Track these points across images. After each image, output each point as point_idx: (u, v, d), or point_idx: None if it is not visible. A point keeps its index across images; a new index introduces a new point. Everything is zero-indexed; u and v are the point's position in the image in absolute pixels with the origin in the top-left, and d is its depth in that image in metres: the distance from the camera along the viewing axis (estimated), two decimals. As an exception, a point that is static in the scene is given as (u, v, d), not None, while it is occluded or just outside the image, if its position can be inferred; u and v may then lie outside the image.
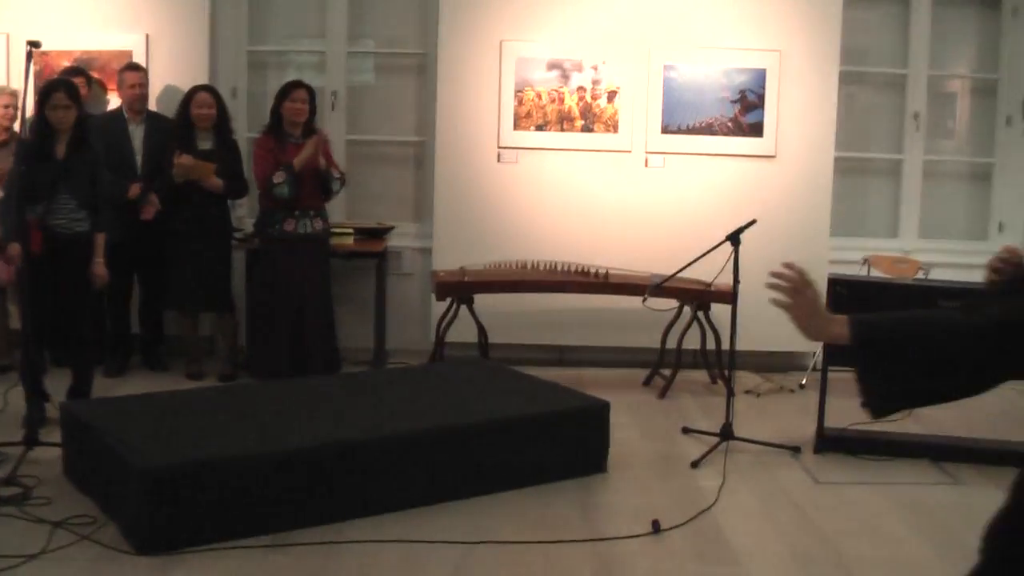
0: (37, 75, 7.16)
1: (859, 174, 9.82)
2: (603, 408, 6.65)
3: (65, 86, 7.28)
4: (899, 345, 2.79)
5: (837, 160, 9.17)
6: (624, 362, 9.12)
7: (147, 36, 9.17)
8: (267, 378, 8.20)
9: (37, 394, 7.10)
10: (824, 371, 7.13)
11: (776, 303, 2.86)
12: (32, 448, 6.51)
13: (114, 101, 9.00)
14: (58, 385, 7.36)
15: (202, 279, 8.43)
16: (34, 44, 6.85)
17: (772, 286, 2.85)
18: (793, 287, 2.86)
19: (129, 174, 8.51)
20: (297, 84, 8.38)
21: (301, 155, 8.18)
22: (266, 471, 5.51)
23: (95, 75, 9.02)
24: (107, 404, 6.85)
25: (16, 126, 8.17)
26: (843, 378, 7.97)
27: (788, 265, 2.87)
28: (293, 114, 8.24)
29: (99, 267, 7.28)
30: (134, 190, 8.42)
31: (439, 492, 5.96)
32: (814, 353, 8.73)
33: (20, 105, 8.25)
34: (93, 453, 5.92)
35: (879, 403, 2.91)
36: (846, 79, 9.32)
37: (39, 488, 6.03)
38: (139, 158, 8.62)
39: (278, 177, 8.14)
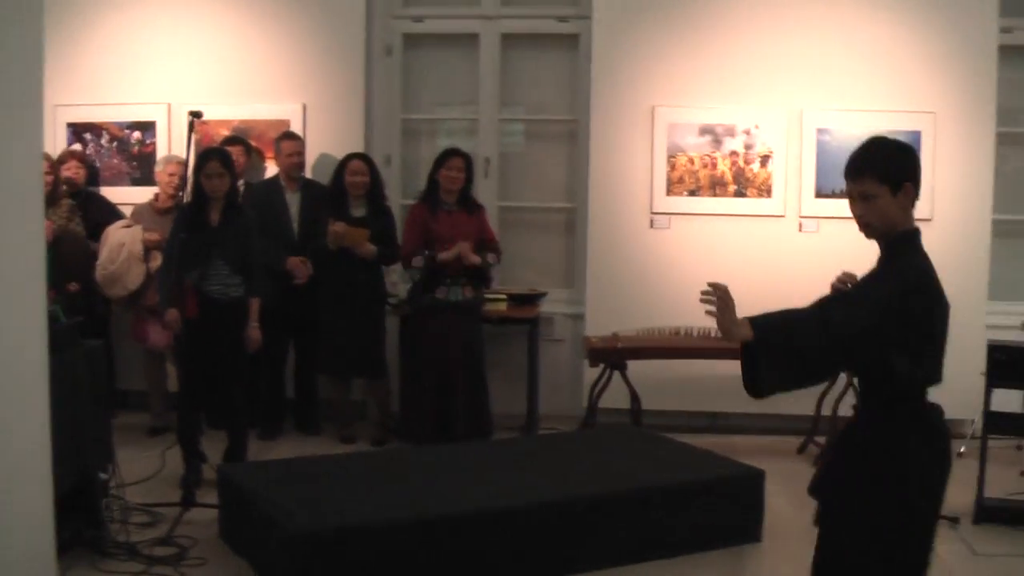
0: (197, 144, 7.33)
1: (1017, 236, 9.58)
2: (758, 476, 6.55)
3: (219, 155, 7.43)
4: (786, 337, 3.94)
5: (994, 222, 8.97)
6: (778, 429, 8.97)
7: (304, 105, 9.34)
8: (413, 443, 8.22)
9: (194, 456, 7.22)
10: (984, 439, 6.94)
11: (708, 313, 3.94)
12: (189, 509, 6.62)
13: (271, 169, 9.17)
14: (214, 447, 7.46)
15: (354, 344, 8.49)
16: (196, 114, 7.02)
17: (705, 300, 3.94)
18: (722, 301, 3.92)
19: (286, 241, 8.64)
20: (454, 152, 8.39)
21: (445, 255, 8.22)
22: (416, 537, 5.51)
23: (253, 143, 9.20)
24: (261, 467, 6.93)
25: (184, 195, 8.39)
26: (1003, 446, 7.82)
27: (714, 285, 3.93)
28: (449, 182, 8.27)
29: (253, 331, 7.38)
30: (293, 263, 8.54)
31: (591, 560, 5.90)
32: (972, 421, 8.50)
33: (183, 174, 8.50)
34: (247, 515, 5.98)
35: (763, 387, 3.82)
36: (1002, 140, 9.12)
37: (195, 549, 6.11)
38: (296, 225, 8.75)
39: (416, 262, 8.19)
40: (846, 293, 4.13)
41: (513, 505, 5.83)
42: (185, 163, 7.13)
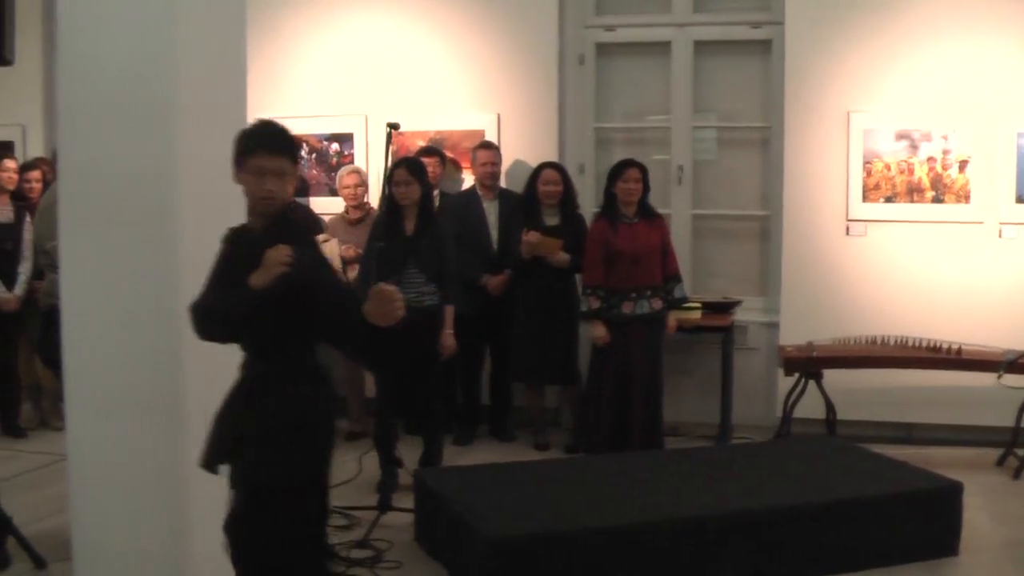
0: (394, 155, 7.46)
1: None
2: (956, 489, 6.42)
3: (407, 163, 7.55)
4: None
5: None
6: (976, 441, 8.78)
7: (498, 115, 9.45)
8: (585, 452, 8.23)
9: (391, 461, 7.34)
10: None
11: None
12: (385, 513, 6.73)
13: (467, 179, 9.30)
14: (410, 453, 7.58)
15: (547, 352, 8.55)
16: (393, 126, 7.14)
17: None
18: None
19: (485, 251, 8.77)
20: (629, 163, 8.36)
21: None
22: (608, 545, 5.53)
23: (448, 154, 9.33)
24: (457, 472, 7.02)
25: (375, 203, 8.57)
26: None
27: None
28: (625, 194, 8.25)
29: (448, 338, 7.49)
30: (493, 282, 8.70)
31: (783, 571, 5.86)
32: None
33: (367, 183, 8.67)
34: (443, 520, 6.07)
35: None
36: None
37: (390, 552, 6.24)
38: (494, 234, 8.85)
39: (592, 292, 8.25)
40: None
41: (705, 515, 5.82)
42: (384, 174, 7.24)
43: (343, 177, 8.96)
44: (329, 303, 4.10)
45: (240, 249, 4.18)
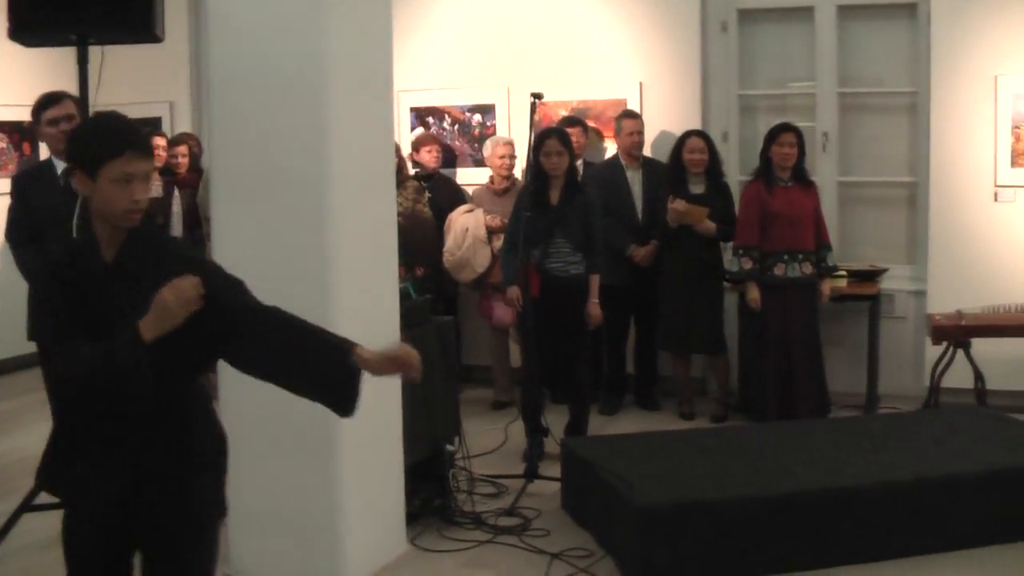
0: (537, 125, 7.50)
1: None
2: (1111, 459, 6.32)
3: (558, 134, 7.59)
4: None
5: None
6: None
7: (640, 84, 9.43)
8: (755, 420, 8.21)
9: (537, 430, 7.40)
10: None
11: None
12: (532, 481, 6.82)
13: (610, 149, 9.30)
14: (556, 421, 7.63)
15: (694, 321, 8.54)
16: (537, 96, 7.19)
17: None
18: None
19: (629, 220, 8.78)
20: (785, 127, 8.32)
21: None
22: (757, 514, 5.54)
23: (591, 124, 9.34)
24: (604, 441, 7.07)
25: (519, 175, 8.62)
26: None
27: None
28: (781, 159, 8.21)
29: (594, 308, 7.52)
30: (640, 253, 8.69)
31: (931, 542, 5.82)
32: None
33: (517, 154, 8.71)
34: (591, 488, 6.12)
35: None
36: None
37: (538, 520, 6.31)
38: (639, 203, 8.85)
39: (745, 253, 8.22)
40: None
41: (854, 484, 5.79)
42: (529, 144, 7.29)
43: (496, 147, 9.00)
44: (242, 320, 3.46)
45: (82, 280, 3.38)
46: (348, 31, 5.40)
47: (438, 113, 10.00)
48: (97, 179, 3.31)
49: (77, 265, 3.39)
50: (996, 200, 8.79)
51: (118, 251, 3.40)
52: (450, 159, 9.77)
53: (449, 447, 6.57)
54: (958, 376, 8.28)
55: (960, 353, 8.22)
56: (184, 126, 10.98)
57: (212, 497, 3.63)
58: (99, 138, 3.35)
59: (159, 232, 3.64)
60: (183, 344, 3.32)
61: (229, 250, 5.31)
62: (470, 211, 8.81)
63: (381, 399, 5.43)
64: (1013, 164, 8.75)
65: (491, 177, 9.06)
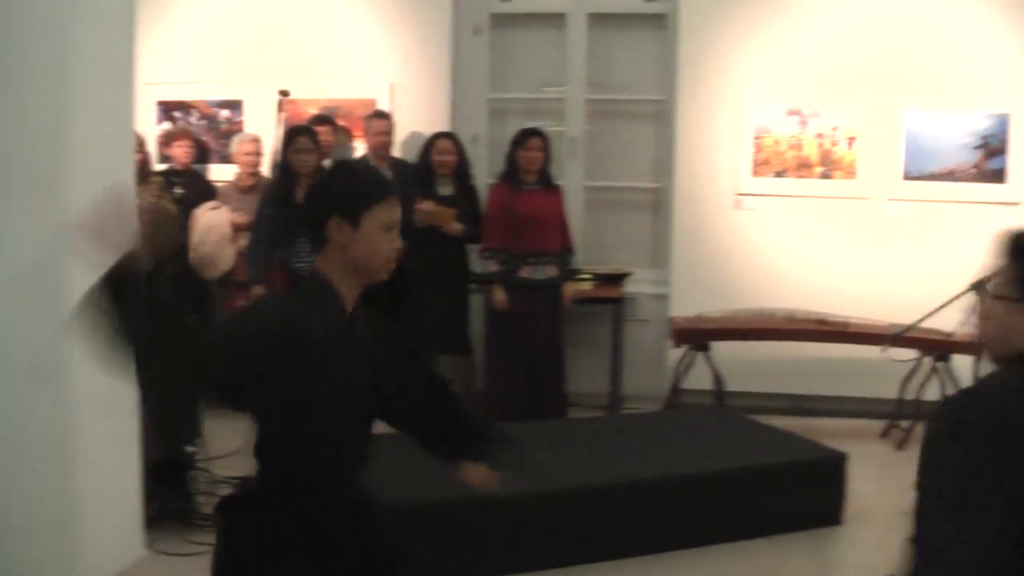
0: (285, 122, 7.41)
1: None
2: (841, 459, 6.54)
3: (307, 131, 7.53)
4: None
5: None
6: (862, 412, 8.93)
7: (391, 85, 9.41)
8: (501, 420, 8.25)
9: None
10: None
11: None
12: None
13: (359, 148, 9.25)
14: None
15: (440, 322, 8.53)
16: (284, 93, 7.12)
17: None
18: None
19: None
20: (531, 132, 8.38)
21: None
22: (507, 513, 5.55)
23: (341, 123, 9.28)
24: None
25: (265, 171, 8.50)
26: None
27: None
28: (527, 162, 8.26)
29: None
30: None
31: (673, 540, 5.93)
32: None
33: (264, 151, 8.59)
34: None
35: None
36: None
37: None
38: (388, 204, 8.79)
39: (491, 256, 8.26)
40: None
41: (594, 484, 5.86)
42: (275, 141, 7.20)
43: (241, 144, 8.85)
44: None
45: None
46: (87, 22, 5.25)
47: (186, 107, 9.78)
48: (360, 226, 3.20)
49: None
50: (738, 207, 9.02)
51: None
52: (204, 155, 9.57)
53: (190, 448, 6.43)
54: (698, 378, 8.48)
55: (700, 355, 8.41)
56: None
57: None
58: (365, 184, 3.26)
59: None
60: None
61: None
62: (215, 208, 8.63)
63: (118, 399, 5.30)
64: (755, 173, 9.01)
65: (237, 174, 8.90)
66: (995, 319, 2.61)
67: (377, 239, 3.20)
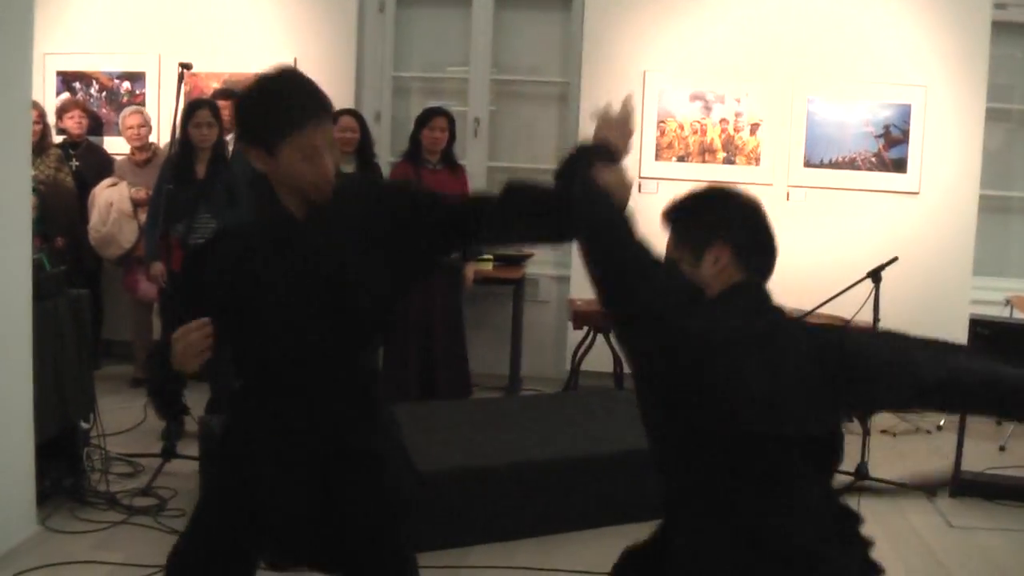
0: (187, 96, 7.31)
1: (1003, 213, 9.61)
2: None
3: (209, 105, 7.43)
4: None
5: (981, 198, 8.98)
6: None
7: (295, 59, 9.31)
8: (397, 401, 8.23)
9: (177, 407, 7.22)
10: (963, 413, 6.99)
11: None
12: (169, 460, 6.64)
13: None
14: (196, 399, 7.48)
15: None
16: (186, 66, 7.01)
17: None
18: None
19: (277, 198, 8.64)
20: (436, 111, 8.36)
21: None
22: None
23: (245, 98, 9.17)
24: (243, 420, 6.93)
25: (162, 145, 8.38)
26: (982, 420, 7.86)
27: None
28: (431, 142, 8.23)
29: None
30: None
31: (568, 521, 5.94)
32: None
33: (151, 124, 8.47)
34: (228, 468, 6.00)
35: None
36: (991, 116, 9.12)
37: (175, 500, 6.16)
38: (288, 180, 8.72)
39: None
40: None
41: (491, 464, 5.86)
42: (175, 115, 7.10)
43: (125, 118, 8.67)
44: None
45: None
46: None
47: (86, 79, 9.64)
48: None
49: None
50: (639, 191, 9.05)
51: None
52: (97, 127, 9.43)
53: (83, 424, 6.35)
54: (598, 360, 8.50)
55: (600, 337, 8.43)
56: None
57: (409, 472, 3.39)
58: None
59: None
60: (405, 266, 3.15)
61: None
62: (114, 185, 8.50)
63: (9, 374, 5.21)
64: (657, 157, 9.05)
65: (131, 148, 8.77)
66: None
67: (298, 168, 3.01)
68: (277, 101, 3.02)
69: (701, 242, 3.06)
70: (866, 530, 3.05)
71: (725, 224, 3.09)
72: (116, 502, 6.08)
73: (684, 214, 3.18)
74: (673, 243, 3.17)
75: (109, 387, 8.18)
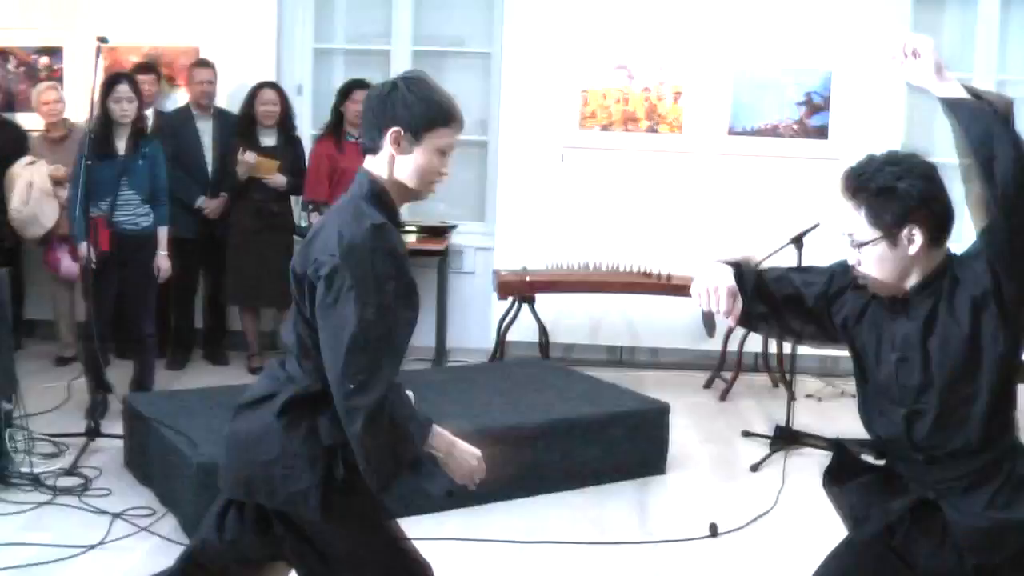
0: (106, 71, 7.21)
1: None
2: (663, 410, 6.64)
3: (128, 79, 7.34)
4: None
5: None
6: (685, 364, 9.07)
7: (215, 31, 9.22)
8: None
9: (101, 386, 7.16)
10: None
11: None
12: (94, 439, 6.59)
13: (182, 97, 9.06)
14: (121, 377, 7.42)
15: (264, 275, 8.41)
16: (103, 40, 6.90)
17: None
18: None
19: (199, 171, 8.62)
20: (358, 83, 8.34)
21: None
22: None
23: (164, 71, 9.09)
24: (168, 397, 6.89)
25: (79, 122, 8.24)
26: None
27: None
28: (354, 115, 8.15)
29: (163, 260, 7.36)
30: (210, 205, 8.52)
31: (497, 491, 5.94)
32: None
33: (65, 100, 8.36)
34: (153, 445, 5.97)
35: None
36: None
37: (100, 479, 6.11)
38: (209, 154, 8.67)
39: (315, 209, 8.11)
40: None
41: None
42: (93, 90, 6.99)
43: (40, 94, 8.51)
44: None
45: None
46: None
47: (3, 54, 9.48)
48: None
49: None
50: (563, 160, 9.05)
51: None
52: (9, 103, 9.29)
53: (5, 405, 6.27)
54: (523, 330, 8.53)
55: (525, 308, 8.45)
56: None
57: None
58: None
59: None
60: None
61: None
62: (32, 163, 8.35)
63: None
64: (581, 126, 9.05)
65: (46, 125, 8.63)
66: (878, 265, 3.17)
67: (432, 161, 3.32)
68: (440, 95, 3.28)
69: None
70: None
71: None
72: (40, 483, 6.01)
73: None
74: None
75: (32, 367, 8.11)
